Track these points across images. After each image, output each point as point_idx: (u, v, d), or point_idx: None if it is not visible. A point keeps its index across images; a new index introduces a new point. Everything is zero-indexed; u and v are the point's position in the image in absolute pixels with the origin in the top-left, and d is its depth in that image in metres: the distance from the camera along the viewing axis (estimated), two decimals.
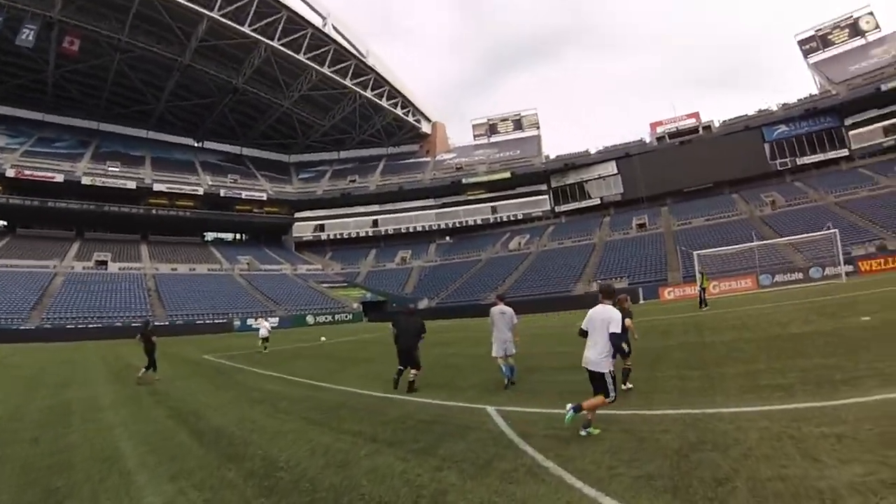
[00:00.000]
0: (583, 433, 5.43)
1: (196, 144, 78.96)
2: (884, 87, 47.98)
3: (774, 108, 56.98)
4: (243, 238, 74.52)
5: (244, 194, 67.36)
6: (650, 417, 6.02)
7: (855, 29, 59.05)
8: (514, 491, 4.06)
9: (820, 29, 60.96)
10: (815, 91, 58.30)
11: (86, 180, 56.49)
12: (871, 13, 58.26)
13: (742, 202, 52.70)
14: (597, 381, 5.60)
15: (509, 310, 9.32)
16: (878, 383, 6.16)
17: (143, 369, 13.05)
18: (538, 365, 11.09)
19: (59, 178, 55.19)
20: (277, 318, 42.78)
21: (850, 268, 31.53)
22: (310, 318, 46.99)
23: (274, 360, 17.53)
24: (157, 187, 61.08)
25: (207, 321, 42.08)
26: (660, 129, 62.88)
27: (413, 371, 9.51)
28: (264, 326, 21.78)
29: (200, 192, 64.01)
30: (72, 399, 10.91)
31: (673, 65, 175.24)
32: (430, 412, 7.44)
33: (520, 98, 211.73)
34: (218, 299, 48.10)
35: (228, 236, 73.89)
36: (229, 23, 53.49)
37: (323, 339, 26.44)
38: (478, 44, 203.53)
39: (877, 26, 58.08)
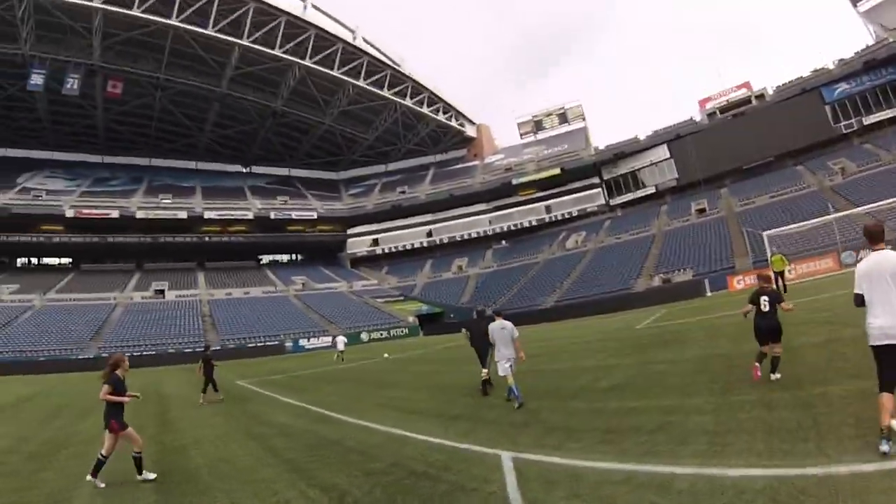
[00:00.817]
0: None
1: (244, 170, 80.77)
2: None
3: (831, 66, 52.08)
4: (298, 259, 75.16)
5: (294, 214, 67.95)
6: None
7: None
8: None
9: None
10: (871, 42, 53.15)
11: (140, 214, 58.65)
12: None
13: (808, 174, 48.28)
14: None
15: (509, 324, 8.95)
16: None
17: (203, 392, 14.37)
18: (582, 386, 9.39)
19: (115, 213, 57.59)
20: (346, 338, 41.58)
21: None
22: (364, 336, 46.18)
23: (305, 384, 17.29)
24: (207, 215, 62.45)
25: (259, 344, 41.97)
26: (709, 106, 58.92)
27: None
28: (341, 341, 28.61)
29: (251, 215, 64.99)
30: (80, 430, 11.00)
31: (714, 33, 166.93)
32: (429, 459, 5.93)
33: (564, 92, 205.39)
34: (271, 321, 48.17)
35: (284, 258, 74.68)
36: (260, 48, 54.87)
37: (386, 355, 25.85)
38: (515, 42, 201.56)
39: None
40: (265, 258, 72.31)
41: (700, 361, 9.52)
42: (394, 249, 71.74)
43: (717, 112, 58.21)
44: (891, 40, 48.05)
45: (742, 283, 32.88)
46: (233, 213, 64.40)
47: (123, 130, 68.66)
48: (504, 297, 51.43)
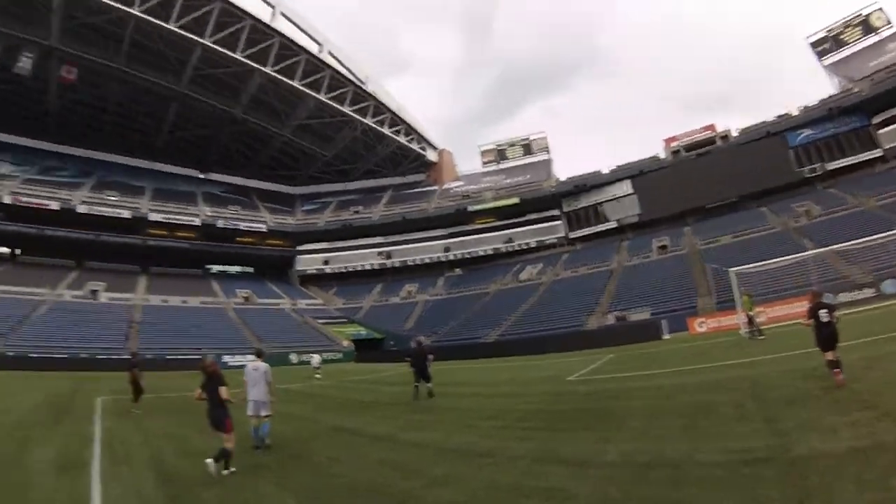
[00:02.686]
0: None
1: (201, 176, 79.72)
2: None
3: (795, 112, 54.09)
4: (247, 272, 73.96)
5: (243, 226, 67.26)
6: None
7: (867, 26, 55.84)
8: None
9: (831, 29, 57.88)
10: (834, 92, 55.44)
11: (81, 208, 57.11)
12: (880, 9, 55.43)
13: (772, 215, 49.14)
14: None
15: (264, 365, 9.19)
16: None
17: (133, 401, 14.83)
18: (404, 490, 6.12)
19: (55, 205, 55.87)
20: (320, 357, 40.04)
21: None
22: (293, 357, 45.17)
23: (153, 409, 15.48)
24: (152, 217, 61.31)
25: (179, 356, 40.43)
26: (674, 145, 60.53)
27: (428, 384, 14.70)
28: (315, 359, 31.37)
29: (197, 222, 64.14)
30: None
31: (683, 82, 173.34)
32: None
33: (530, 125, 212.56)
34: (199, 334, 47.15)
35: (234, 269, 73.39)
36: (222, 49, 54.37)
37: (318, 376, 27.63)
38: (486, 74, 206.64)
39: (888, 22, 54.90)
40: (214, 268, 70.93)
41: (627, 468, 5.87)
42: (344, 270, 71.27)
43: (682, 150, 59.62)
44: (856, 90, 50.16)
45: (704, 325, 31.14)
46: (179, 217, 63.37)
47: (77, 120, 66.88)
48: (447, 326, 51.11)
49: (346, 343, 50.79)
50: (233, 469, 7.00)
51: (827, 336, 8.39)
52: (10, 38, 50.54)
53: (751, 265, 27.17)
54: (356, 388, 21.62)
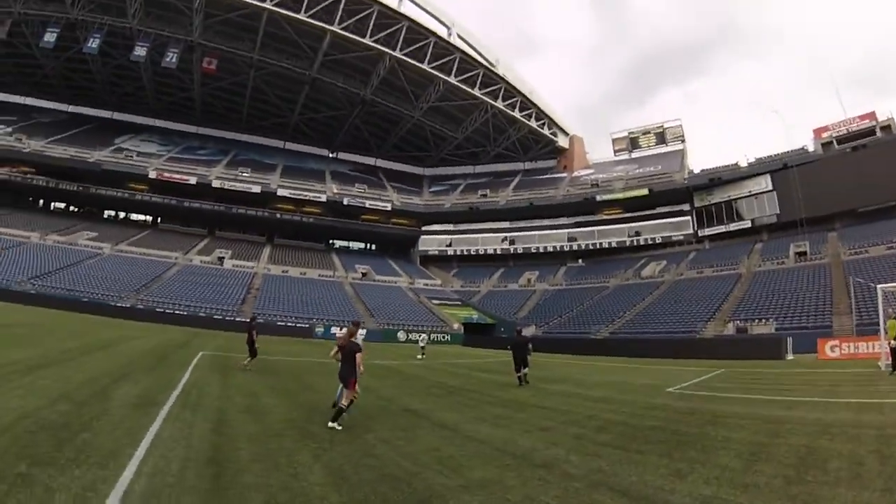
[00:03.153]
0: None
1: (330, 155, 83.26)
2: None
3: None
4: (371, 248, 76.02)
5: (368, 203, 68.52)
6: None
7: None
8: None
9: None
10: None
11: (216, 183, 61.74)
12: None
13: None
14: None
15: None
16: None
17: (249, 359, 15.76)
18: None
19: (193, 180, 61.10)
20: (365, 330, 41.08)
21: None
22: (401, 335, 44.78)
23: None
24: (280, 192, 64.46)
25: (290, 324, 41.93)
26: (825, 135, 52.20)
27: (525, 369, 15.24)
28: (422, 338, 29.70)
29: (323, 198, 66.40)
30: None
31: (839, 61, 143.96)
32: None
33: (668, 114, 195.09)
34: (311, 305, 48.39)
35: (357, 245, 75.72)
36: (351, 35, 56.07)
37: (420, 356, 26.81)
38: (620, 56, 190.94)
39: None
40: (338, 243, 73.45)
41: None
42: (466, 252, 70.51)
43: (834, 142, 51.20)
44: None
45: (837, 350, 24.88)
46: (306, 194, 65.91)
47: (217, 105, 73.24)
48: (562, 318, 48.76)
49: (456, 326, 49.80)
50: (339, 427, 7.64)
51: None
52: (158, 37, 57.17)
53: None
54: (450, 370, 20.42)
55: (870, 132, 49.38)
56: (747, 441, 7.29)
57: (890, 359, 16.34)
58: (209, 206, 62.14)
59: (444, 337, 47.09)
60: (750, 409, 10.15)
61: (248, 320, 18.41)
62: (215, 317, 40.30)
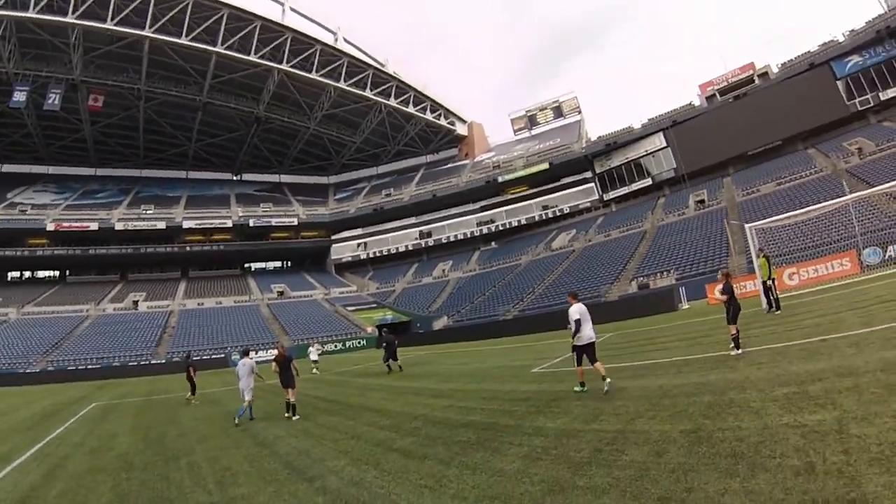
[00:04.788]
0: None
1: (234, 178, 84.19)
2: None
3: (841, 39, 49.70)
4: (286, 265, 77.45)
5: (274, 221, 70.16)
6: None
7: None
8: None
9: None
10: (882, 11, 49.95)
11: (119, 226, 62.06)
12: None
13: (821, 156, 45.64)
14: None
15: (251, 362, 12.60)
16: None
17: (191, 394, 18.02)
18: None
19: (94, 226, 61.15)
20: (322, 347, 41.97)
21: None
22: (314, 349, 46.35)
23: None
24: (186, 224, 65.41)
25: (204, 357, 43.19)
26: (709, 89, 57.29)
27: (397, 361, 20.63)
28: (314, 350, 29.78)
29: (230, 224, 67.72)
30: None
31: (718, 23, 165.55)
32: None
33: (565, 88, 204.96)
34: (226, 333, 49.76)
35: (273, 264, 77.06)
36: (236, 54, 57.44)
37: (315, 371, 26.11)
38: (518, 42, 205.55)
39: None
40: (254, 266, 74.93)
41: None
42: (380, 254, 72.66)
43: (717, 95, 56.48)
44: None
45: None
46: (212, 222, 67.12)
47: (111, 143, 72.92)
48: (472, 304, 50.79)
49: (370, 329, 51.09)
50: (297, 416, 11.45)
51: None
52: (37, 78, 56.15)
53: (772, 218, 21.45)
54: (333, 380, 21.36)
55: (748, 81, 54.89)
56: (557, 431, 6.60)
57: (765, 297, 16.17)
58: (116, 249, 62.61)
59: (359, 343, 48.48)
60: (595, 385, 9.16)
61: (186, 358, 22.01)
62: (130, 364, 41.53)
